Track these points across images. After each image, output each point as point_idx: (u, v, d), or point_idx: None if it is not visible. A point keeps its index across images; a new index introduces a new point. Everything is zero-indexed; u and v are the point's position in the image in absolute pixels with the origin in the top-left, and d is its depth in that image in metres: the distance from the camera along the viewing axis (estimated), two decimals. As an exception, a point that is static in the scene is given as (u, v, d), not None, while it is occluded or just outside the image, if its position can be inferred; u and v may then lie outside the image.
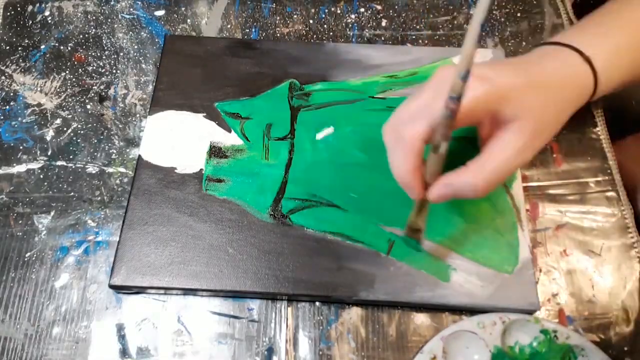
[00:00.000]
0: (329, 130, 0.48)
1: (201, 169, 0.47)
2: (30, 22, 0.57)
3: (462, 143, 0.46)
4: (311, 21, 0.58)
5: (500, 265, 0.42)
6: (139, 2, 0.59)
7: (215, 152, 0.48)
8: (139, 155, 0.47)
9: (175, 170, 0.47)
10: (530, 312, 0.41)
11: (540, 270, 0.44)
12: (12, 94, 0.53)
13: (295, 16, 0.58)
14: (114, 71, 0.54)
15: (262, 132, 0.49)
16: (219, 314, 0.43)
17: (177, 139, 0.48)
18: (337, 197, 0.45)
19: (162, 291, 0.43)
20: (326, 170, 0.47)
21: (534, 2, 0.58)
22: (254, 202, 0.45)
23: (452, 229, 0.44)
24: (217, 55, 0.53)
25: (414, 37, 0.56)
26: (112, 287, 0.42)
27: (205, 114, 0.50)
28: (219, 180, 0.46)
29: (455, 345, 0.39)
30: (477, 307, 0.41)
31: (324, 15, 0.58)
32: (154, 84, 0.51)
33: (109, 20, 0.58)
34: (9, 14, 0.58)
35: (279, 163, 0.47)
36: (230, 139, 0.48)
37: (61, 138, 0.50)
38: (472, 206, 0.44)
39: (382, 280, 0.42)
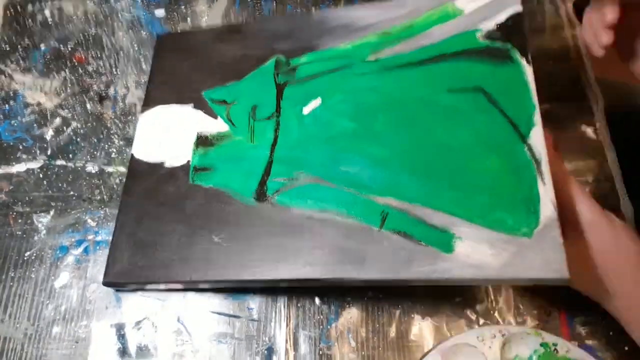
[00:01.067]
0: (316, 103, 0.45)
1: (188, 161, 0.46)
2: (31, 21, 0.57)
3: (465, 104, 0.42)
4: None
5: (516, 227, 0.36)
6: (139, 2, 0.59)
7: (202, 141, 0.46)
8: (132, 155, 0.47)
9: (164, 164, 0.46)
10: (557, 283, 0.35)
11: (541, 270, 0.44)
12: (12, 94, 0.53)
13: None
14: (114, 71, 0.54)
15: (248, 114, 0.47)
16: (219, 314, 0.43)
17: (166, 133, 0.48)
18: (325, 172, 0.42)
19: (163, 289, 0.43)
20: (314, 145, 0.43)
21: (534, 2, 0.58)
22: (239, 187, 0.43)
23: (457, 194, 0.38)
24: (205, 45, 0.51)
25: None
26: (106, 284, 0.42)
27: (193, 105, 0.48)
28: (206, 169, 0.45)
29: (454, 359, 0.39)
30: (488, 280, 0.36)
31: (324, 15, 0.58)
32: (147, 83, 0.51)
33: (109, 19, 0.58)
34: (9, 13, 0.58)
35: (265, 143, 0.44)
36: (216, 126, 0.47)
37: (61, 137, 0.50)
38: (480, 165, 0.39)
39: (375, 256, 0.38)
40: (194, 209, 0.43)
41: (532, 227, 0.35)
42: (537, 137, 0.38)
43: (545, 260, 0.34)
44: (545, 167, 0.37)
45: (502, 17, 0.44)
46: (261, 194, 0.42)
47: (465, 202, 0.38)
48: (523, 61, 0.41)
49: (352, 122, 0.43)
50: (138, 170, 0.46)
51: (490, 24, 0.44)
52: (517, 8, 0.43)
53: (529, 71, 0.41)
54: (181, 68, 0.50)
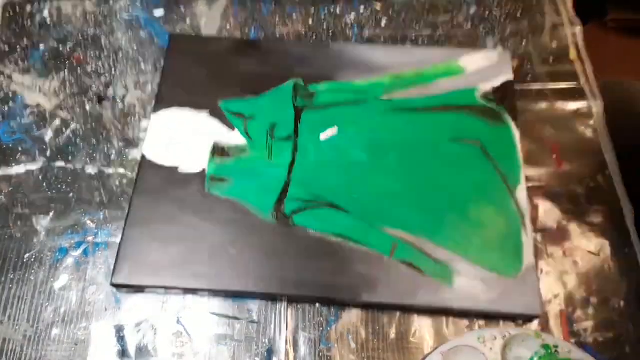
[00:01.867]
0: (333, 131, 0.48)
1: (204, 169, 0.46)
2: (29, 22, 0.57)
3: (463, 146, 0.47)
4: (311, 21, 0.57)
5: (504, 269, 0.42)
6: (138, 2, 0.59)
7: (219, 151, 0.47)
8: (142, 155, 0.47)
9: (178, 170, 0.46)
10: (533, 318, 0.41)
11: (541, 271, 0.44)
12: (11, 95, 0.53)
13: (294, 16, 0.58)
14: (113, 71, 0.54)
15: (266, 131, 0.48)
16: (219, 315, 0.43)
17: (180, 138, 0.48)
18: (340, 199, 0.45)
19: (162, 290, 0.43)
20: (329, 171, 0.46)
21: (534, 2, 0.58)
22: (256, 202, 0.45)
23: (457, 233, 0.43)
24: (221, 54, 0.52)
25: (413, 36, 0.56)
26: (114, 285, 0.42)
27: (208, 112, 0.49)
28: (222, 180, 0.46)
29: None
30: (480, 312, 0.41)
31: (323, 15, 0.58)
32: (159, 81, 0.51)
33: (108, 20, 0.58)
34: (8, 14, 0.58)
35: (282, 163, 0.47)
36: (233, 138, 0.48)
37: (60, 139, 0.50)
38: (476, 210, 0.44)
39: (385, 283, 0.41)
40: (209, 217, 0.44)
41: (517, 270, 0.42)
42: (522, 194, 0.45)
43: (525, 299, 0.41)
44: (527, 219, 0.44)
45: (497, 82, 0.50)
46: (279, 212, 0.44)
47: (463, 241, 0.43)
48: (512, 124, 0.48)
49: (366, 154, 0.47)
50: (150, 172, 0.46)
51: (487, 86, 0.50)
52: (509, 76, 0.51)
53: (516, 134, 0.48)
54: (196, 73, 0.51)
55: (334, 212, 0.44)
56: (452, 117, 0.49)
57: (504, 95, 0.49)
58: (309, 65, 0.51)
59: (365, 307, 0.43)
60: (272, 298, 0.43)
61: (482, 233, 0.43)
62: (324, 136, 0.48)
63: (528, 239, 0.43)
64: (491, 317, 0.42)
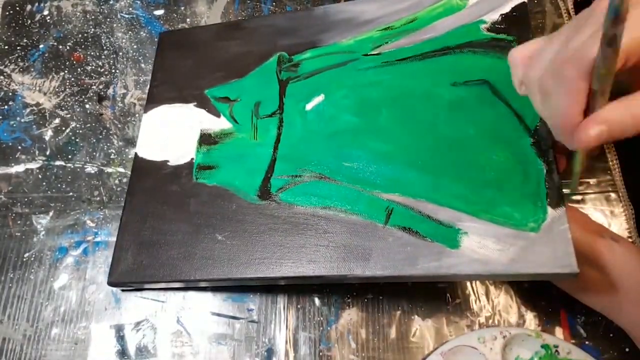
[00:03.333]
0: (319, 99, 0.45)
1: (192, 159, 0.46)
2: (29, 21, 0.57)
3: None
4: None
5: (522, 222, 0.35)
6: (138, 2, 0.59)
7: (205, 139, 0.46)
8: (135, 154, 0.47)
9: (168, 163, 0.46)
10: (566, 277, 0.34)
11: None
12: (10, 94, 0.53)
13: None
14: (113, 71, 0.54)
15: (251, 111, 0.46)
16: (219, 315, 0.43)
17: (169, 132, 0.48)
18: (329, 169, 0.42)
19: (161, 286, 0.43)
20: (317, 141, 0.43)
21: (535, 1, 0.58)
22: (243, 185, 0.43)
23: (464, 189, 0.38)
24: (206, 42, 0.51)
25: None
26: (110, 284, 0.42)
27: (195, 103, 0.48)
28: (209, 167, 0.45)
29: None
30: (495, 275, 0.35)
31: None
32: (150, 81, 0.51)
33: (108, 19, 0.58)
34: (7, 13, 0.58)
35: (268, 141, 0.44)
36: (220, 124, 0.47)
37: (60, 138, 0.50)
38: (488, 159, 0.38)
39: (380, 253, 0.37)
40: (198, 207, 0.43)
41: (540, 221, 0.35)
42: (543, 130, 0.38)
43: (553, 254, 0.33)
44: (552, 162, 0.37)
45: (506, 8, 0.43)
46: (265, 192, 0.42)
47: (471, 197, 0.37)
48: None
49: (356, 117, 0.43)
50: (142, 169, 0.46)
51: (494, 16, 0.43)
52: None
53: None
54: (183, 66, 0.50)
55: (322, 184, 0.41)
56: (453, 59, 0.43)
57: (514, 21, 0.43)
58: (292, 36, 0.48)
59: (364, 303, 0.42)
60: (266, 282, 0.42)
61: (494, 184, 0.37)
62: (310, 106, 0.45)
63: (554, 182, 0.36)
64: (511, 282, 0.38)
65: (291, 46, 0.48)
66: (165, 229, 0.43)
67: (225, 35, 0.51)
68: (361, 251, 0.38)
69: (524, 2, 0.43)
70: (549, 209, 0.35)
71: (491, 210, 0.36)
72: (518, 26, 0.42)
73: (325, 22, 0.48)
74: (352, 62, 0.46)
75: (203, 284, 0.43)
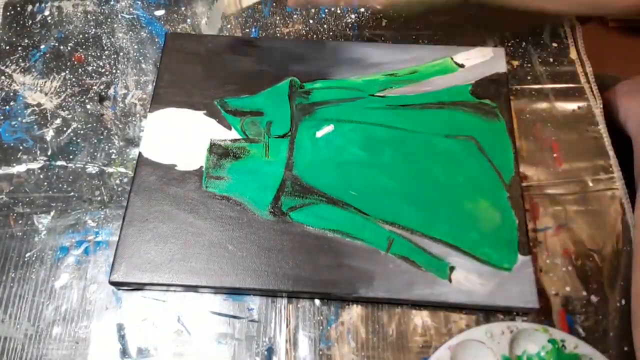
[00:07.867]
0: (329, 128, 0.49)
1: (201, 166, 0.47)
2: (30, 22, 0.57)
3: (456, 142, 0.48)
4: (311, 21, 0.58)
5: (499, 262, 0.42)
6: (139, 2, 0.59)
7: (216, 149, 0.48)
8: (139, 153, 0.47)
9: (176, 167, 0.47)
10: (529, 311, 0.41)
11: (541, 270, 0.44)
12: (12, 94, 0.53)
13: (295, 16, 0.58)
14: (114, 71, 0.54)
15: (263, 130, 0.49)
16: (219, 314, 0.43)
17: (178, 136, 0.48)
18: (337, 194, 0.45)
19: (162, 288, 0.43)
20: (326, 168, 0.47)
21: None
22: (254, 200, 0.45)
23: (452, 228, 0.44)
24: (218, 53, 0.53)
25: (413, 37, 0.56)
26: (112, 283, 0.42)
27: (205, 112, 0.50)
28: (219, 178, 0.46)
29: (462, 355, 0.39)
30: (476, 305, 0.42)
31: (324, 15, 0.58)
32: (155, 81, 0.51)
33: (109, 20, 0.58)
34: (9, 13, 0.58)
35: (279, 161, 0.47)
36: (230, 137, 0.48)
37: (61, 138, 0.50)
38: (471, 205, 0.45)
39: (382, 277, 0.42)
40: (207, 215, 0.44)
41: (512, 263, 0.42)
42: (516, 186, 0.45)
43: (521, 292, 0.41)
44: (522, 215, 0.44)
45: (490, 78, 0.51)
46: (276, 209, 0.45)
47: (458, 235, 0.43)
48: (506, 119, 0.49)
49: (363, 151, 0.48)
50: (147, 169, 0.47)
51: (480, 82, 0.51)
52: (503, 71, 0.51)
53: (512, 128, 0.48)
54: (192, 71, 0.52)
55: (330, 208, 0.45)
56: (447, 113, 0.50)
57: (497, 90, 0.50)
58: (304, 64, 0.52)
59: (364, 303, 0.43)
60: (271, 294, 0.43)
61: (477, 227, 0.44)
62: (320, 134, 0.48)
63: (523, 233, 0.43)
64: (488, 311, 0.42)
65: (303, 73, 0.52)
66: (169, 231, 0.44)
67: (238, 49, 0.53)
68: (366, 274, 0.42)
69: (504, 74, 0.51)
70: (519, 255, 0.42)
71: (475, 250, 0.43)
72: (499, 95, 0.50)
73: (336, 57, 0.53)
74: (359, 99, 0.50)
75: (204, 289, 0.43)
